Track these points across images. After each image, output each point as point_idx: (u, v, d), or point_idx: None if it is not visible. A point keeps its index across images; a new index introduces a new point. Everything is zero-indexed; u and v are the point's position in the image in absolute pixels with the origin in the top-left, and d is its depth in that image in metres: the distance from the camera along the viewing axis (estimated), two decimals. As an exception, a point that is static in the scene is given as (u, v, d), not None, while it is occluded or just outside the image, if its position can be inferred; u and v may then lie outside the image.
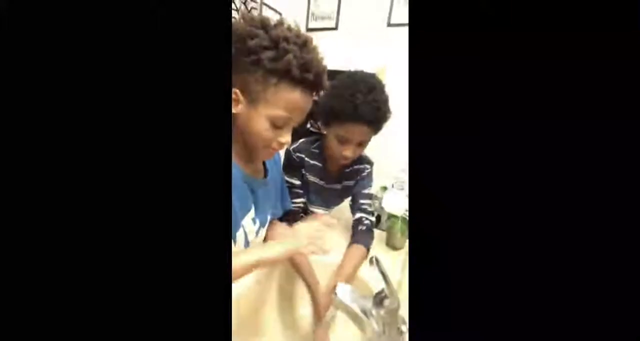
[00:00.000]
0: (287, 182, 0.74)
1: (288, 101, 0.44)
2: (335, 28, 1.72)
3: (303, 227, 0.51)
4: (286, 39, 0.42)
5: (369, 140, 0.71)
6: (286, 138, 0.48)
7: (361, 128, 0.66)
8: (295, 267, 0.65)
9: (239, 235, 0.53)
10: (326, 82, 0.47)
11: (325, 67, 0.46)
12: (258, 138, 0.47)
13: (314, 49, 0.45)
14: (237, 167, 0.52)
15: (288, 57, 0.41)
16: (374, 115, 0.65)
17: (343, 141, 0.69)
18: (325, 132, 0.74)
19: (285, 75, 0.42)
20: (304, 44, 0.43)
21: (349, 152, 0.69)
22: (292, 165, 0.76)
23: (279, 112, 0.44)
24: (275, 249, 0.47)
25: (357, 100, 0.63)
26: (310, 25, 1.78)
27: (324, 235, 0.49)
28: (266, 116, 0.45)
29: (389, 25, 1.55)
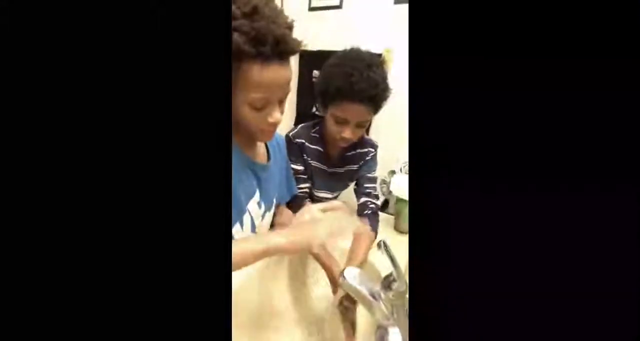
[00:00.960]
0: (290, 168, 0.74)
1: (256, 81, 0.40)
2: (340, 6, 1.65)
3: (325, 222, 0.42)
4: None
5: (369, 121, 0.69)
6: (275, 117, 0.45)
7: (359, 107, 0.63)
8: (312, 254, 0.63)
9: (245, 219, 0.53)
10: (295, 43, 0.41)
11: (286, 25, 0.40)
12: (247, 123, 0.45)
13: (271, 9, 0.39)
14: (239, 153, 0.51)
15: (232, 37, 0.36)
16: (372, 94, 0.62)
17: (341, 122, 0.66)
18: (324, 115, 0.72)
19: (239, 56, 0.38)
20: (253, 12, 0.38)
21: (347, 134, 0.66)
22: (293, 151, 0.75)
23: (252, 95, 0.41)
24: (285, 240, 0.39)
25: (354, 78, 0.60)
26: (313, 4, 1.72)
27: (344, 231, 0.44)
28: (243, 101, 0.42)
29: (396, 2, 1.49)
